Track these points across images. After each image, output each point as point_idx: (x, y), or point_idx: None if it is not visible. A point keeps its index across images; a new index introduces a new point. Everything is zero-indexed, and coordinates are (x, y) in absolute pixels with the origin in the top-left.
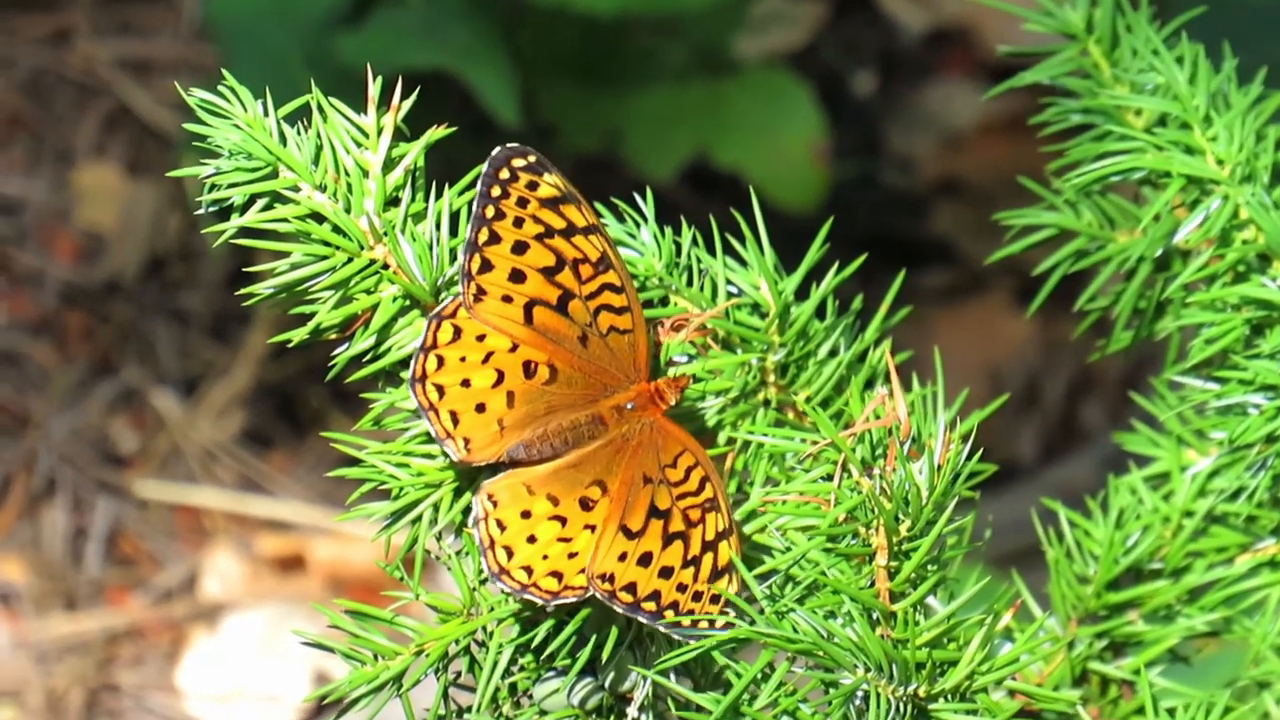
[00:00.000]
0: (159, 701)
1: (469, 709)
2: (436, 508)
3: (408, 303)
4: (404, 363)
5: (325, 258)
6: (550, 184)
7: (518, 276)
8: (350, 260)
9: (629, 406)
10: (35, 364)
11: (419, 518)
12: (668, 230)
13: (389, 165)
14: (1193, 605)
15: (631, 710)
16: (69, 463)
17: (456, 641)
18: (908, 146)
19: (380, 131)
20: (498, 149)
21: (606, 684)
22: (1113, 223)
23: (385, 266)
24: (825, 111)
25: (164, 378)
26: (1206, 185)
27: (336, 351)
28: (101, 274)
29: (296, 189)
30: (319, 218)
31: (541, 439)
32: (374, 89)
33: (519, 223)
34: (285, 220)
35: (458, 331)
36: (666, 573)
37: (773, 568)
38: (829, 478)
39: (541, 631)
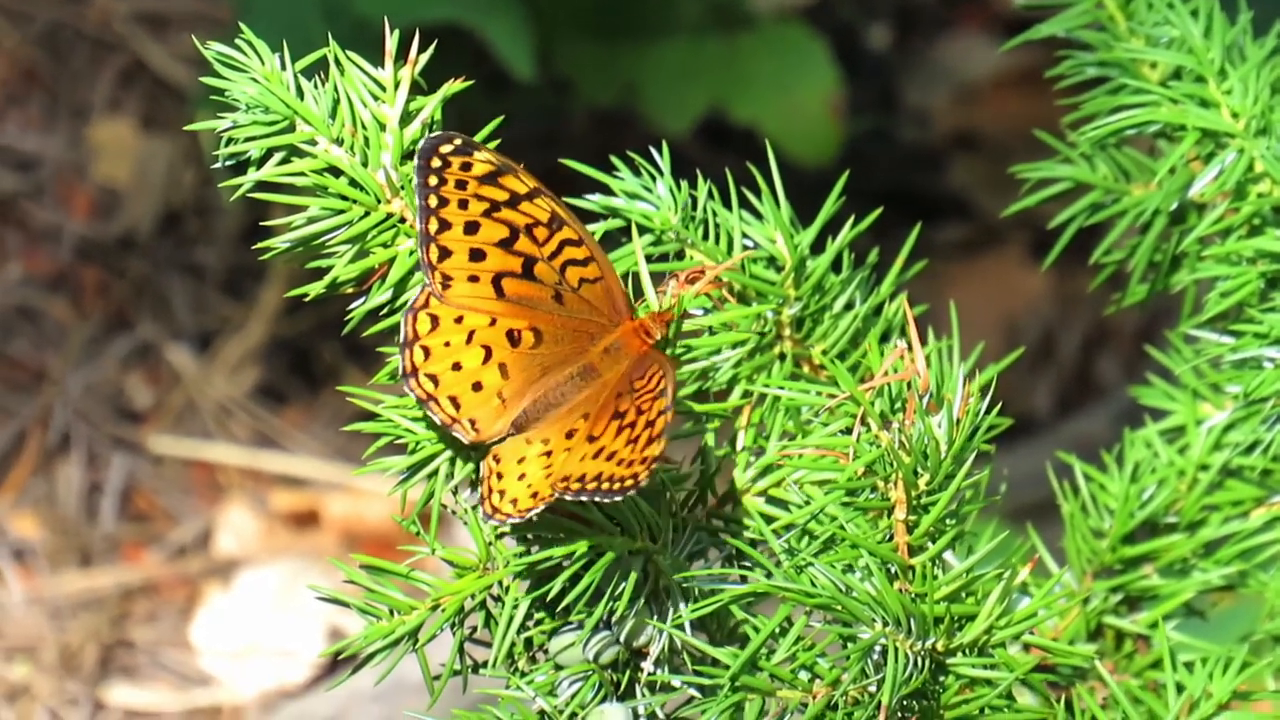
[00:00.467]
0: (173, 657)
1: (484, 664)
2: (453, 462)
3: None
4: None
5: (342, 212)
6: (482, 160)
7: (477, 255)
8: (367, 214)
9: (617, 346)
10: (51, 319)
11: (435, 472)
12: (683, 184)
13: (406, 119)
14: (1208, 559)
15: (647, 664)
16: (84, 418)
17: (472, 596)
18: (923, 100)
19: (397, 85)
20: (422, 140)
21: (622, 638)
22: (1128, 176)
23: (402, 220)
24: (841, 65)
25: (179, 333)
26: (1221, 138)
27: (352, 306)
28: (117, 229)
29: (313, 143)
30: (336, 171)
31: (542, 400)
32: (391, 42)
33: (464, 204)
34: (302, 174)
35: (435, 320)
36: (610, 456)
37: (790, 521)
38: (847, 431)
39: (557, 585)
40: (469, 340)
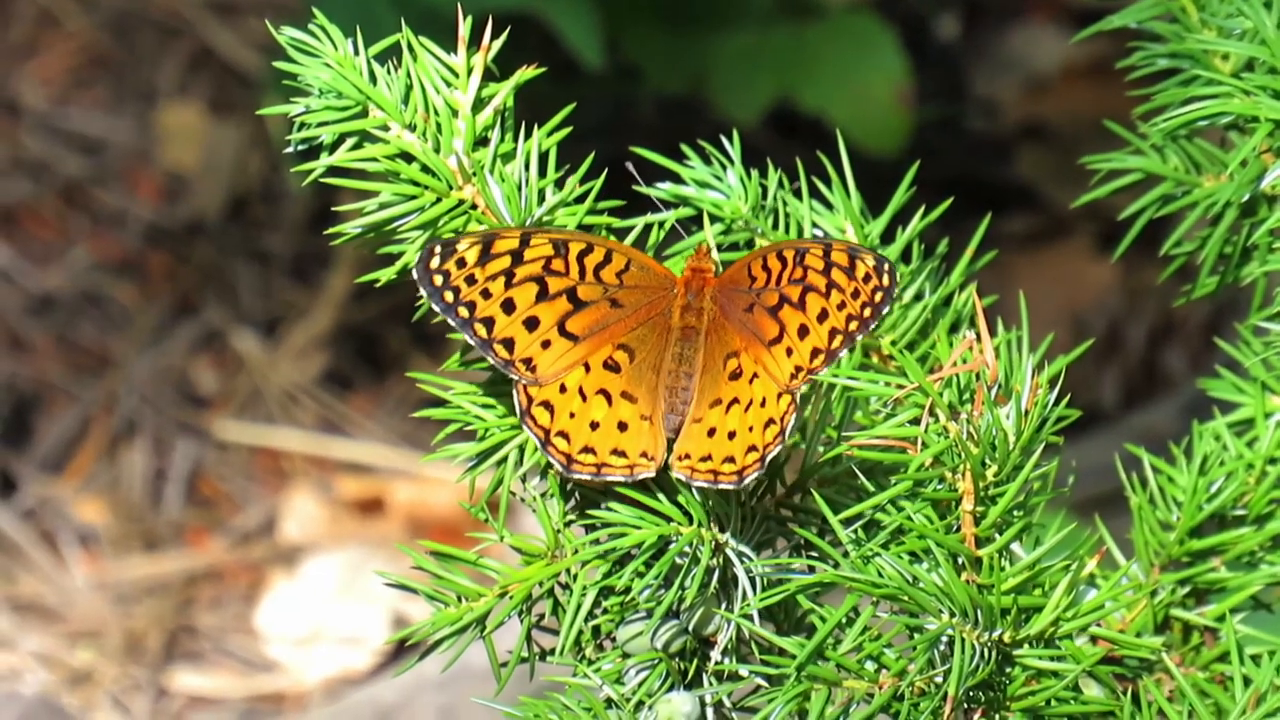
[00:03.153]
0: (237, 644)
1: (552, 651)
2: (522, 449)
3: None
4: None
5: (414, 197)
6: (466, 246)
7: (531, 324)
8: (439, 200)
9: (689, 302)
10: (117, 304)
11: (504, 459)
12: (754, 173)
13: (478, 105)
14: (1276, 552)
15: (715, 654)
16: (149, 404)
17: (540, 584)
18: (992, 90)
19: (470, 71)
20: (413, 270)
21: (690, 627)
22: (1198, 168)
23: (474, 207)
24: (909, 55)
25: (245, 319)
26: None
27: (422, 292)
28: (184, 214)
29: (386, 128)
30: (408, 157)
31: (674, 390)
32: (464, 28)
33: (486, 294)
34: (374, 159)
35: (548, 405)
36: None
37: (858, 511)
38: (915, 422)
39: (626, 574)
40: (585, 398)
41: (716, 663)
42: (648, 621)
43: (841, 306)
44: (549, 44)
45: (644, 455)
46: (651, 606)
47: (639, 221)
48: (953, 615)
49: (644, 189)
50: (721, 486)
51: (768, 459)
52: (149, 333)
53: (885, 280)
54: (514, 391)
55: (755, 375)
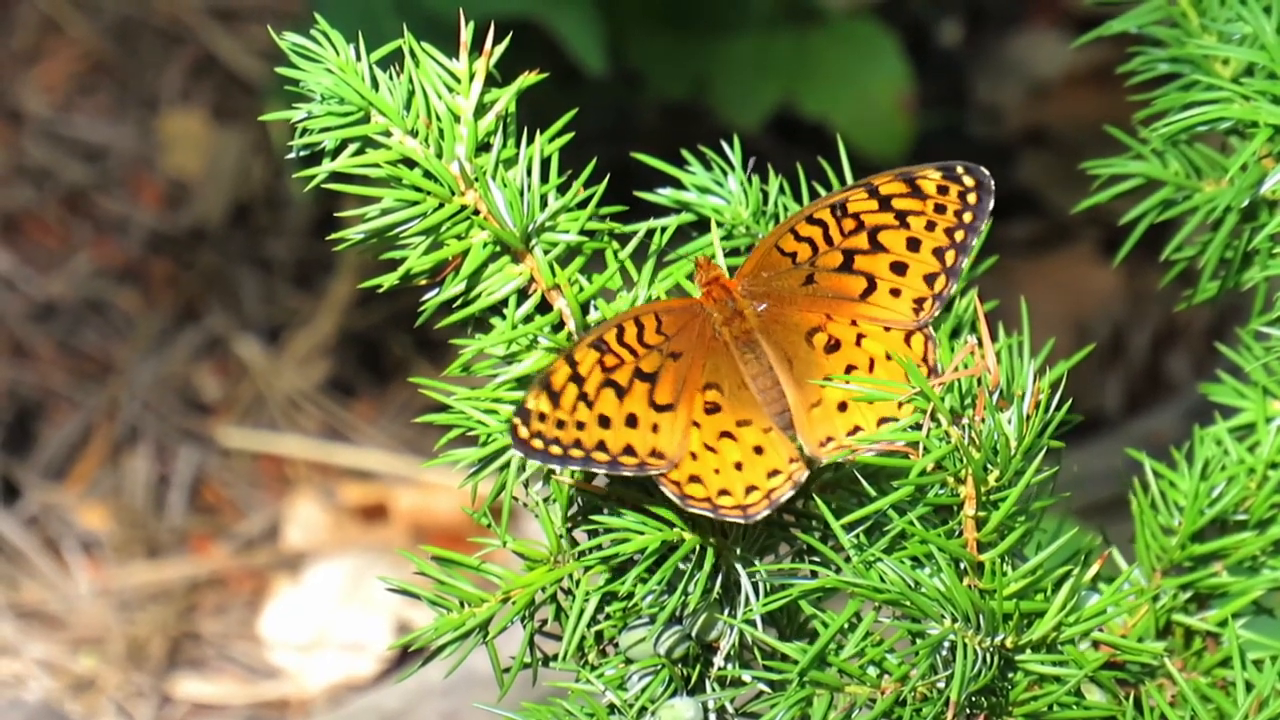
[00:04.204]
0: (241, 650)
1: (555, 657)
2: None
3: (498, 249)
4: (493, 308)
5: (416, 203)
6: (535, 400)
7: (632, 421)
8: (441, 206)
9: (723, 314)
10: (119, 311)
11: (506, 464)
12: (755, 178)
13: (481, 110)
14: (1278, 557)
15: (718, 659)
16: (152, 410)
17: (543, 589)
18: (993, 96)
19: (472, 76)
20: (515, 450)
21: (693, 633)
22: (1199, 172)
23: (476, 212)
24: (911, 61)
25: (248, 325)
26: None
27: (425, 298)
28: (186, 221)
29: (388, 134)
30: (410, 163)
31: (772, 402)
32: (466, 34)
33: (580, 425)
34: (376, 165)
35: (693, 480)
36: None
37: (860, 516)
38: (917, 426)
39: (629, 579)
40: (714, 450)
41: (719, 668)
42: (650, 627)
43: (931, 226)
44: (551, 49)
45: (791, 461)
46: (654, 612)
47: (641, 227)
48: (955, 620)
49: (645, 195)
50: (893, 450)
51: (932, 405)
52: (151, 339)
53: (968, 180)
54: (665, 491)
55: (861, 336)
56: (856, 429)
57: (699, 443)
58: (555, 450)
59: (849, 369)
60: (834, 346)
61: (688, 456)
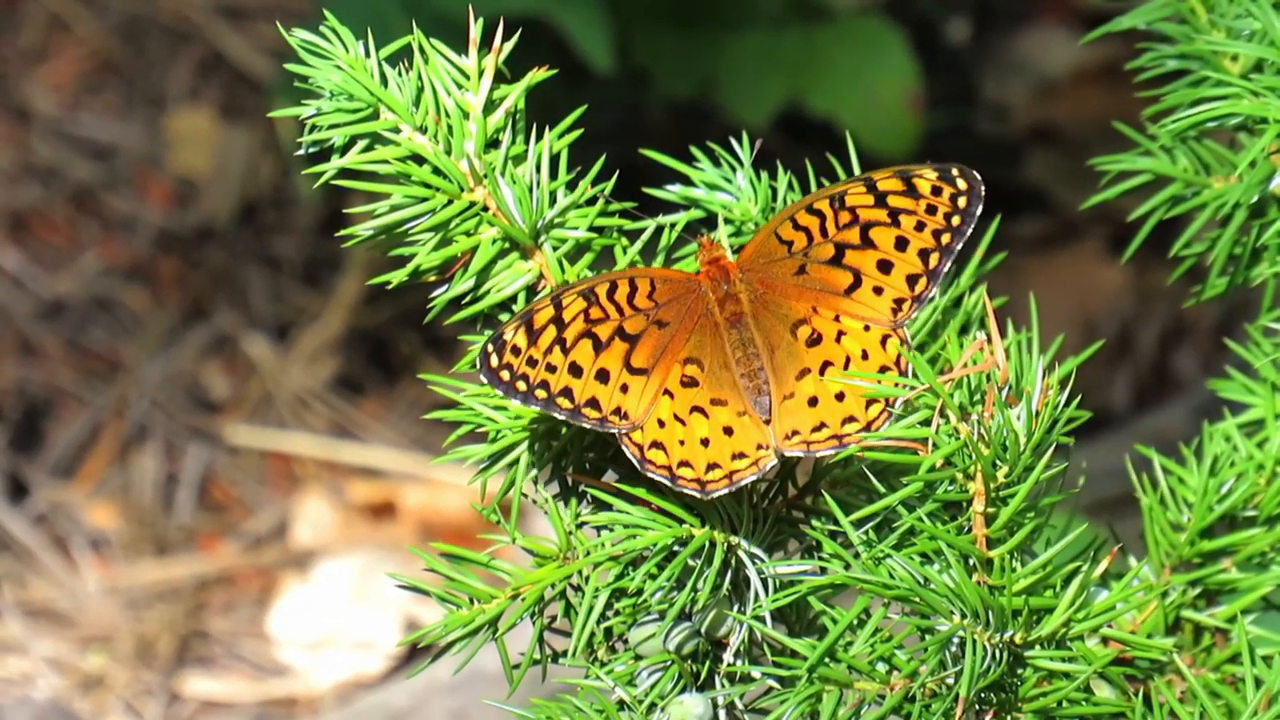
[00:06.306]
0: (250, 648)
1: (564, 654)
2: (534, 450)
3: (507, 245)
4: (502, 305)
5: (425, 199)
6: (513, 333)
7: (603, 375)
8: (450, 202)
9: (719, 293)
10: (128, 310)
11: (515, 461)
12: (763, 175)
13: (489, 107)
14: None
15: (727, 655)
16: (161, 409)
17: (552, 586)
18: (1001, 94)
19: (481, 74)
20: (481, 376)
21: (702, 629)
22: (1208, 169)
23: (485, 209)
24: (919, 59)
25: (256, 323)
26: None
27: (434, 294)
28: (194, 219)
29: (397, 130)
30: (419, 159)
31: (753, 375)
32: (475, 31)
33: (551, 369)
34: (385, 162)
35: (659, 445)
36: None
37: (869, 513)
38: (926, 423)
39: (639, 576)
40: (683, 421)
41: (729, 664)
42: (660, 623)
43: (920, 227)
44: (560, 47)
45: (760, 447)
46: (664, 608)
47: (650, 224)
48: (964, 616)
49: (654, 191)
50: (848, 449)
51: (896, 408)
52: (160, 338)
53: (961, 184)
54: (625, 450)
55: (841, 333)
56: (822, 425)
57: (669, 411)
58: (520, 386)
59: (825, 365)
60: (815, 340)
61: (654, 422)
